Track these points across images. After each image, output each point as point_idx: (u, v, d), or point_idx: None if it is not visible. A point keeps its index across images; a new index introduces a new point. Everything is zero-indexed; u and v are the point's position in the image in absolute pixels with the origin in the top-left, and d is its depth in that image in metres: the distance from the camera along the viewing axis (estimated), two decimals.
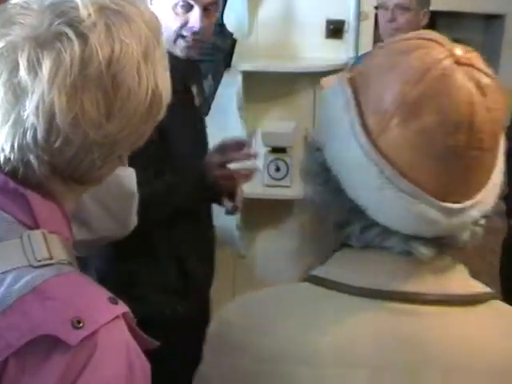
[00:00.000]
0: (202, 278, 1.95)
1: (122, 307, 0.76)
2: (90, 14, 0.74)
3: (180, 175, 1.84)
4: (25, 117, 0.74)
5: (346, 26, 3.05)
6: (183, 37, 1.77)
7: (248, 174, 1.93)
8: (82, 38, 0.73)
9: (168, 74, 0.84)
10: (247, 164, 1.96)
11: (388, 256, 0.81)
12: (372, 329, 0.78)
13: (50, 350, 0.69)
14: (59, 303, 0.72)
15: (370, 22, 3.07)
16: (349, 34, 3.06)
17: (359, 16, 3.03)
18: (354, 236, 0.82)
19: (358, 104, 0.80)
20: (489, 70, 0.79)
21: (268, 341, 0.80)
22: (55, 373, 0.69)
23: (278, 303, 0.85)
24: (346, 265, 0.84)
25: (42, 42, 0.73)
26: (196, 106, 1.98)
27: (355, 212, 0.80)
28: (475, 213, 0.79)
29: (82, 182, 0.84)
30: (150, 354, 0.78)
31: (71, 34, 0.73)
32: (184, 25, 1.75)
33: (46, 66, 0.73)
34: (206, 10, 1.77)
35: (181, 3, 1.74)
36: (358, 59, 2.98)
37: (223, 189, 1.85)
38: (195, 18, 1.75)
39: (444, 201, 0.76)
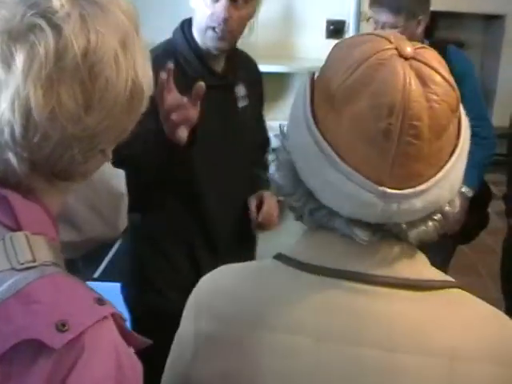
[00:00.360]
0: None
1: (110, 308, 0.73)
2: (63, 5, 0.72)
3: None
4: (0, 114, 0.71)
5: (346, 27, 3.06)
6: (213, 28, 1.80)
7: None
8: (56, 29, 0.70)
9: (149, 64, 0.82)
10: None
11: (339, 237, 0.84)
12: (320, 302, 0.83)
13: (35, 355, 0.68)
14: (43, 306, 0.70)
15: (370, 24, 3.07)
16: (349, 35, 3.06)
17: (359, 16, 3.03)
18: (305, 217, 0.88)
19: (312, 94, 0.86)
20: (443, 70, 0.80)
21: (226, 302, 0.89)
22: (41, 377, 0.67)
23: (245, 272, 0.93)
24: (307, 244, 0.89)
25: (15, 35, 0.70)
26: (236, 107, 1.99)
27: (307, 195, 0.85)
28: (418, 203, 0.79)
29: (65, 178, 0.80)
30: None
31: (44, 25, 0.70)
32: (212, 16, 1.78)
33: (20, 59, 0.70)
34: (233, 1, 1.79)
35: None
36: None
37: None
38: (220, 7, 1.77)
39: (382, 185, 0.78)
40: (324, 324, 0.82)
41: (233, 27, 1.82)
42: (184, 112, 1.55)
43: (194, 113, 1.56)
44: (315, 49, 3.05)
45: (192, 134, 1.60)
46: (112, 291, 2.10)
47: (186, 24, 1.92)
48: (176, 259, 1.98)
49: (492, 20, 3.17)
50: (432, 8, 2.66)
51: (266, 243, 3.13)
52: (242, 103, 2.00)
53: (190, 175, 1.86)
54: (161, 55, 1.78)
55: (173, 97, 1.53)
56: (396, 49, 0.80)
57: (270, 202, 2.02)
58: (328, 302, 0.83)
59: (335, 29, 3.07)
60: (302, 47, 3.07)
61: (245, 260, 1.95)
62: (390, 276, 0.83)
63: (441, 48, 2.71)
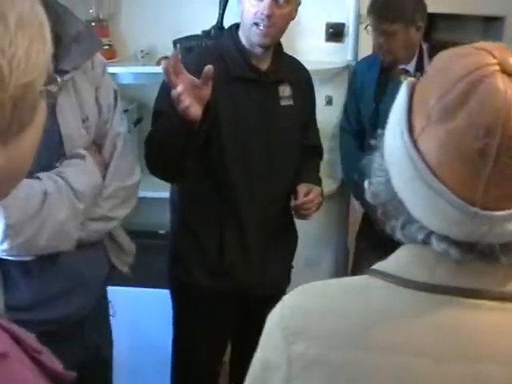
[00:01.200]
0: (238, 261, 2.16)
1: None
2: None
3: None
4: None
5: (345, 29, 3.05)
6: (257, 25, 2.00)
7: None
8: None
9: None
10: None
11: (436, 253, 0.82)
12: (437, 320, 0.80)
13: None
14: None
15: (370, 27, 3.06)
16: (349, 37, 3.06)
17: (359, 19, 3.03)
18: (397, 230, 0.87)
19: (410, 104, 0.84)
20: None
21: (327, 323, 0.84)
22: None
23: (341, 290, 0.89)
24: (405, 260, 0.87)
25: None
26: (278, 104, 2.16)
27: (399, 206, 0.85)
28: (511, 226, 0.77)
29: None
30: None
31: None
32: (257, 13, 1.98)
33: None
34: (275, 0, 1.98)
35: None
36: (359, 62, 2.99)
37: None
38: (264, 5, 1.97)
39: (474, 205, 0.76)
40: (444, 342, 0.80)
41: (275, 24, 2.01)
42: (197, 91, 1.72)
43: (206, 92, 1.74)
44: (315, 51, 3.06)
45: (206, 110, 1.77)
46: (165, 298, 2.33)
47: (234, 27, 2.14)
48: (204, 241, 2.16)
49: (492, 22, 3.17)
50: (431, 10, 2.66)
51: None
52: (285, 102, 2.18)
53: (226, 166, 2.08)
54: (207, 56, 2.08)
55: (183, 79, 1.69)
56: (499, 64, 0.78)
57: (316, 194, 2.17)
58: (446, 320, 0.80)
59: (334, 32, 3.06)
60: (302, 50, 3.06)
61: (273, 256, 2.23)
62: (506, 291, 0.81)
63: (440, 51, 2.72)
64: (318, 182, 2.29)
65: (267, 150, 2.13)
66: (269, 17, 1.97)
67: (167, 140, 1.83)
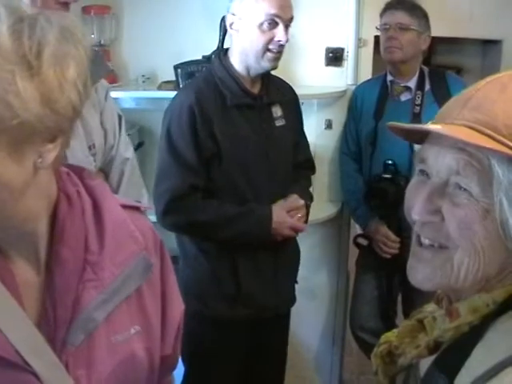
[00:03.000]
0: (254, 288, 2.19)
1: None
2: None
3: (248, 207, 2.12)
4: None
5: (345, 54, 3.07)
6: (270, 50, 2.05)
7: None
8: None
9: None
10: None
11: None
12: None
13: None
14: None
15: (369, 49, 3.09)
16: (348, 61, 3.08)
17: (358, 43, 3.05)
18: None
19: None
20: None
21: None
22: None
23: None
24: None
25: None
26: (274, 126, 2.22)
27: None
28: None
29: None
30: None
31: None
32: (270, 40, 2.04)
33: None
34: (286, 26, 2.06)
35: (268, 21, 2.02)
36: (359, 86, 3.01)
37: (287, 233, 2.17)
38: (282, 32, 2.04)
39: None
40: None
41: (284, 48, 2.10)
42: None
43: None
44: (315, 76, 3.08)
45: None
46: None
47: (222, 54, 2.18)
48: (217, 269, 2.17)
49: (490, 45, 3.19)
50: (432, 34, 2.70)
51: None
52: (279, 123, 2.22)
53: (229, 191, 2.12)
54: (204, 87, 2.11)
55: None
56: None
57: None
58: None
59: (334, 56, 3.07)
60: (302, 74, 3.08)
61: (283, 276, 2.30)
62: None
63: (440, 74, 2.75)
64: (309, 197, 2.35)
65: (268, 171, 2.17)
66: (286, 42, 2.06)
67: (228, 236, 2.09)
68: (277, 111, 2.23)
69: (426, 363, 0.88)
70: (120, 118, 1.78)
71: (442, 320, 0.89)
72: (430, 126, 0.85)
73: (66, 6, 1.53)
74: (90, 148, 1.64)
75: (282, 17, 2.04)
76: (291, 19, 2.09)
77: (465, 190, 0.81)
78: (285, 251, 2.25)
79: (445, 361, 0.83)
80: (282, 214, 2.15)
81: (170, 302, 1.14)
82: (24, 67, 0.76)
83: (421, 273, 0.87)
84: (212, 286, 2.17)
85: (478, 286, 0.84)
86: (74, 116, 0.85)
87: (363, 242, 2.88)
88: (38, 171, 0.85)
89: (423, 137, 0.89)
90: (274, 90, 2.24)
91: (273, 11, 2.02)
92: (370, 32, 3.01)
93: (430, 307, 0.96)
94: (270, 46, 2.05)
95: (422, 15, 2.69)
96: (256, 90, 2.19)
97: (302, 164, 2.39)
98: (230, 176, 2.10)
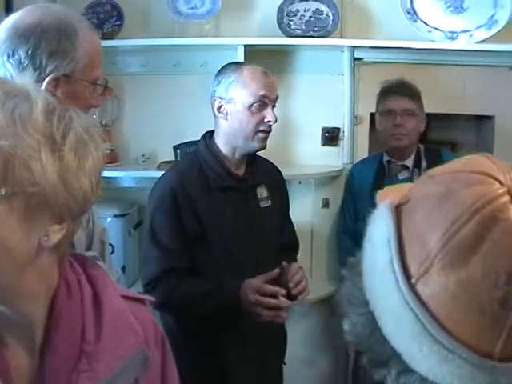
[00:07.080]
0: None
1: None
2: None
3: (217, 284, 2.04)
4: None
5: (341, 133, 3.12)
6: (260, 131, 2.10)
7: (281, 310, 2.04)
8: None
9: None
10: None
11: None
12: None
13: None
14: None
15: (366, 126, 3.14)
16: (344, 141, 3.13)
17: (354, 121, 3.11)
18: (390, 379, 0.74)
19: (400, 238, 0.72)
20: None
21: None
22: None
23: None
24: None
25: None
26: (259, 207, 2.21)
27: (391, 354, 0.72)
28: None
29: None
30: None
31: None
32: (261, 121, 2.09)
33: None
34: (273, 106, 2.12)
35: (258, 103, 2.08)
36: (355, 165, 3.04)
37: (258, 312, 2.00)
38: (270, 113, 2.10)
39: (491, 358, 0.66)
40: None
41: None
42: None
43: None
44: (312, 155, 3.13)
45: None
46: None
47: (208, 135, 2.19)
48: (202, 356, 2.10)
49: (483, 120, 3.25)
50: (426, 110, 2.75)
51: None
52: (264, 204, 2.22)
53: (214, 271, 2.07)
54: (188, 169, 2.14)
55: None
56: (509, 192, 0.68)
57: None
58: None
59: (330, 136, 3.13)
60: (299, 154, 3.13)
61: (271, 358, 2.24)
62: None
63: (435, 152, 2.78)
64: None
65: (253, 252, 2.15)
66: (273, 122, 2.10)
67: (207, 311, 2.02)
68: (262, 192, 2.23)
69: None
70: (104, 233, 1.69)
71: None
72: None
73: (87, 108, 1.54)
74: None
75: (270, 97, 2.10)
76: (277, 98, 2.16)
77: None
78: (270, 332, 2.18)
79: None
80: (249, 289, 2.00)
81: None
82: (49, 141, 0.82)
83: None
84: (198, 373, 2.11)
85: None
86: (83, 203, 0.87)
87: None
88: (42, 251, 0.85)
89: None
90: (259, 172, 2.24)
91: (261, 92, 2.08)
92: (366, 109, 3.07)
93: None
94: (261, 127, 2.10)
95: (419, 98, 2.75)
96: (241, 172, 2.20)
97: (286, 245, 2.37)
98: (213, 257, 2.09)
